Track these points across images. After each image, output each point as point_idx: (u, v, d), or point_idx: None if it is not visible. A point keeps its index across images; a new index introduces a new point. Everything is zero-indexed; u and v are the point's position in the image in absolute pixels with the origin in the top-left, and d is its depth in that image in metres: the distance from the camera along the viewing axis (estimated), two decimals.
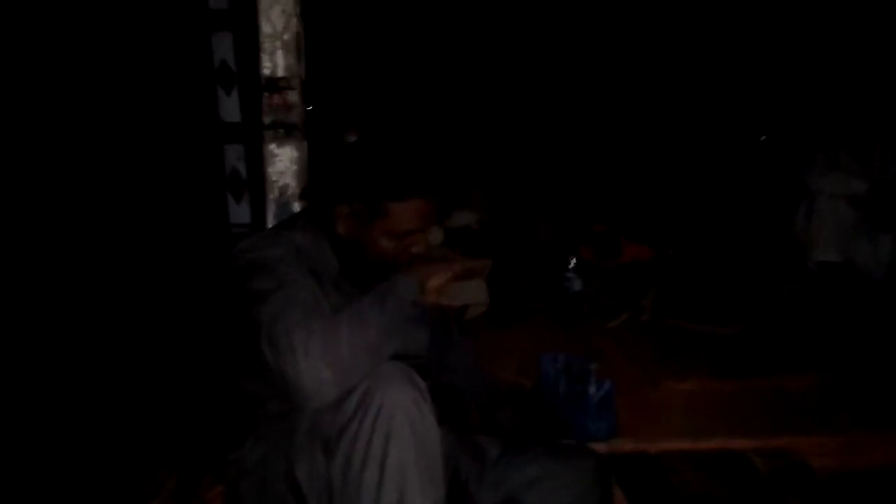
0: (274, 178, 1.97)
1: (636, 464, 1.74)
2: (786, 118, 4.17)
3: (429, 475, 1.12)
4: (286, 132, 1.94)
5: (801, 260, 3.22)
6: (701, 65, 4.32)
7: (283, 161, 1.94)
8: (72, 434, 1.88)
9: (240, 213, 2.57)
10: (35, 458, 1.77)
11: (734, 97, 4.34)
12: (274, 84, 1.84)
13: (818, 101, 3.76)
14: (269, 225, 1.97)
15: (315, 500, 1.16)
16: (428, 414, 1.13)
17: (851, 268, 3.19)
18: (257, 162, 2.14)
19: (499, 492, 1.34)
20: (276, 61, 1.85)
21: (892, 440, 1.87)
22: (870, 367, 2.32)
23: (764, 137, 4.28)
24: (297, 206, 1.96)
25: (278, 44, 1.85)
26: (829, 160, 3.25)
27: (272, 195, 1.99)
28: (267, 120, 1.89)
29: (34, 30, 2.49)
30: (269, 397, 1.28)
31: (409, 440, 1.09)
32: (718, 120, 4.35)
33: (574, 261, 2.80)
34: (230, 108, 2.50)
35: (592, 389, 1.77)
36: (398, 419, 1.09)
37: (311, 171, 1.98)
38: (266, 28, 1.89)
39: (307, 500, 1.17)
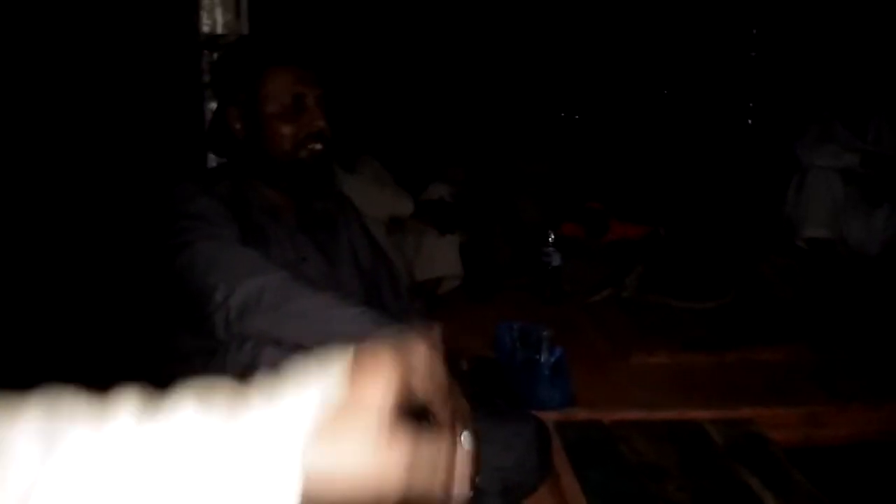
0: None
1: (587, 431, 1.71)
2: (780, 91, 4.09)
3: None
4: None
5: (790, 236, 3.16)
6: (692, 39, 4.24)
7: None
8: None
9: None
10: None
11: (727, 70, 4.26)
12: (213, 41, 1.81)
13: (813, 74, 3.68)
14: None
15: None
16: None
17: (843, 244, 3.12)
18: None
19: None
20: (215, 18, 1.83)
21: (853, 414, 1.82)
22: (847, 341, 2.26)
23: (750, 122, 4.20)
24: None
25: (217, 0, 1.83)
26: (822, 132, 3.17)
27: None
28: (206, 79, 1.87)
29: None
30: (195, 353, 1.28)
31: None
32: (710, 97, 4.28)
33: (553, 236, 2.77)
34: None
35: (545, 356, 1.75)
36: None
37: None
38: None
39: None
